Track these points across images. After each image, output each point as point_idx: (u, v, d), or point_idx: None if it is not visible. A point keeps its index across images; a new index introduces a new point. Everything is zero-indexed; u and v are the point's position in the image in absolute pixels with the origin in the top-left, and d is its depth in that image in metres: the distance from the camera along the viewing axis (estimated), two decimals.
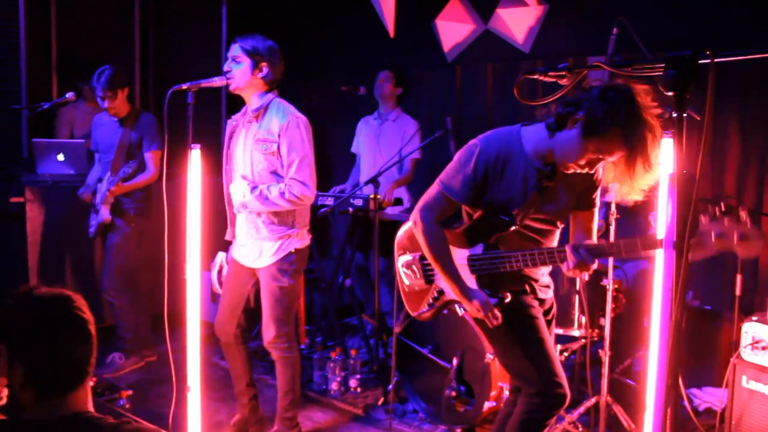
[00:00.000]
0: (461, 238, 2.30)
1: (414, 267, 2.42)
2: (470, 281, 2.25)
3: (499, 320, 2.18)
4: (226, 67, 2.79)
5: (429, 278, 2.40)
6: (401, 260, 2.48)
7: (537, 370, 2.20)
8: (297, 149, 2.80)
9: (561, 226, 2.32)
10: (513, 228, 2.18)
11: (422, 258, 2.37)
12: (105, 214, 3.90)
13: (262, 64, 2.79)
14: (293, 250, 2.91)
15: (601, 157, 1.99)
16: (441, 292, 2.36)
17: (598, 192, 2.32)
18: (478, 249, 2.24)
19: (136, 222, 4.00)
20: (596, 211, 2.36)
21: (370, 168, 4.45)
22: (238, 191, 2.83)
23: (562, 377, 2.22)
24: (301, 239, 2.96)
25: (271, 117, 2.83)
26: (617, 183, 2.01)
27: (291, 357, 2.99)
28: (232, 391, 3.21)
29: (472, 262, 2.24)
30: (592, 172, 2.19)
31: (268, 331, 2.94)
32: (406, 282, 2.48)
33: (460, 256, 2.28)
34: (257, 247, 2.91)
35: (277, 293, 2.90)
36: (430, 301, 2.40)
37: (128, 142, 3.94)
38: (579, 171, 2.09)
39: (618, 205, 3.11)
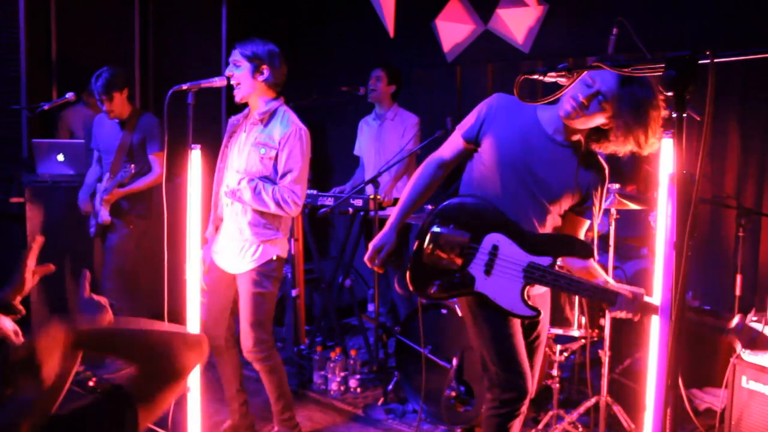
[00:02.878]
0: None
1: (455, 243, 2.19)
2: (515, 286, 2.15)
3: (379, 269, 2.36)
4: (227, 72, 2.79)
5: (465, 263, 2.19)
6: (439, 229, 2.22)
7: (498, 362, 2.21)
8: (295, 160, 2.81)
9: (551, 210, 2.24)
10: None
11: (471, 241, 2.19)
12: (104, 215, 3.90)
13: (262, 67, 2.79)
14: (274, 258, 2.89)
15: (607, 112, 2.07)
16: (470, 280, 2.18)
17: (599, 198, 2.27)
18: (546, 261, 2.14)
19: (135, 223, 3.99)
20: (588, 223, 2.32)
21: (373, 170, 4.45)
22: (233, 177, 2.83)
23: (524, 373, 2.21)
24: (283, 247, 2.95)
25: (276, 124, 2.84)
26: (621, 147, 2.11)
27: (271, 364, 2.97)
28: None
29: (531, 270, 2.14)
30: (602, 161, 2.25)
31: (247, 339, 2.91)
32: (428, 252, 2.22)
33: (517, 256, 2.15)
34: (237, 250, 2.89)
35: (257, 298, 2.88)
36: (452, 283, 2.19)
37: (129, 144, 3.93)
38: (583, 126, 2.15)
39: (618, 205, 3.12)
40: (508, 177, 2.21)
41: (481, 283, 2.18)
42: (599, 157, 2.28)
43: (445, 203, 2.25)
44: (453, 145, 2.35)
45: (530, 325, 2.35)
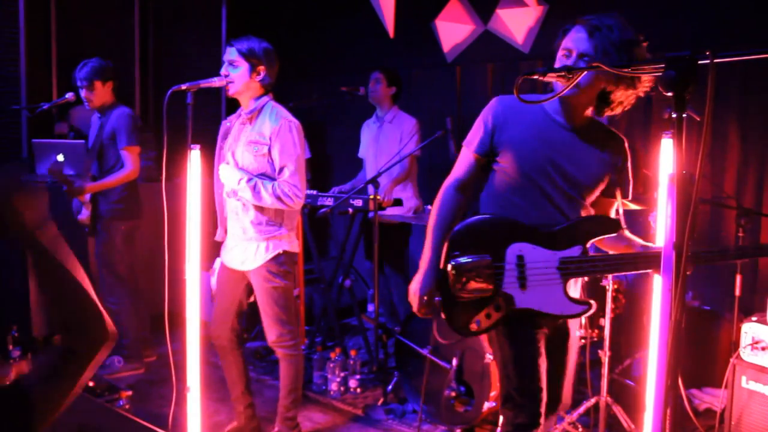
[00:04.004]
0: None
1: (481, 270, 2.04)
2: (557, 288, 2.04)
3: (427, 314, 2.18)
4: (223, 71, 2.79)
5: (497, 285, 2.05)
6: (457, 261, 2.06)
7: (516, 383, 2.10)
8: (289, 153, 2.81)
9: (586, 204, 2.13)
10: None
11: (494, 260, 2.06)
12: (83, 213, 3.86)
13: (259, 67, 2.80)
14: (282, 252, 2.89)
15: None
16: (509, 301, 2.05)
17: (626, 169, 2.17)
18: (575, 251, 2.03)
19: (114, 225, 3.88)
20: (616, 203, 2.22)
21: (373, 172, 4.47)
22: (233, 177, 2.82)
23: (540, 398, 2.09)
24: (290, 242, 2.94)
25: (264, 120, 2.84)
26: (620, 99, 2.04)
27: (296, 355, 3.00)
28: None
29: (566, 266, 2.02)
30: (616, 136, 2.15)
31: (271, 332, 2.94)
32: (458, 291, 2.05)
33: (545, 259, 2.05)
34: (244, 249, 2.90)
35: (273, 293, 2.89)
36: (492, 311, 2.06)
37: (100, 138, 3.84)
38: (589, 94, 2.03)
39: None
40: (537, 180, 2.09)
41: (521, 299, 2.04)
42: (613, 130, 2.18)
43: (452, 233, 2.11)
44: (465, 163, 2.20)
45: (562, 337, 2.21)
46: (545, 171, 2.08)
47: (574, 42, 1.99)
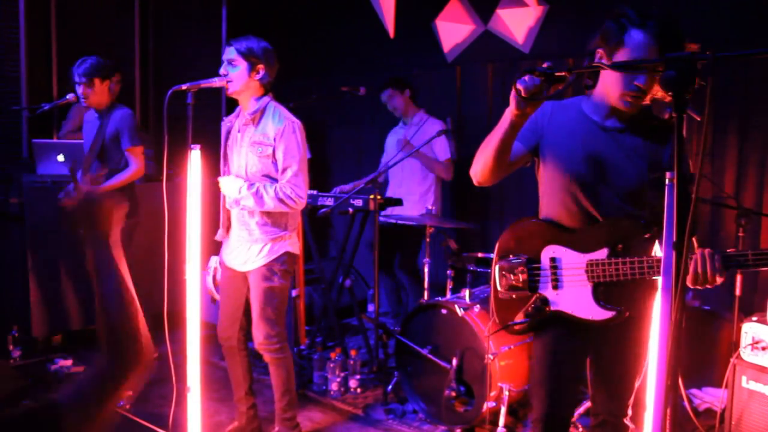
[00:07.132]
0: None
1: (517, 271, 2.12)
2: (585, 291, 2.01)
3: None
4: (222, 71, 2.79)
5: (533, 286, 2.10)
6: (500, 264, 2.16)
7: (538, 397, 2.13)
8: (293, 154, 2.81)
9: (632, 204, 2.00)
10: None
11: (529, 261, 2.10)
12: None
13: (258, 66, 2.79)
14: (284, 252, 2.91)
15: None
16: (543, 302, 2.09)
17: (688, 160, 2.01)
18: (602, 254, 1.99)
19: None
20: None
21: (398, 178, 4.52)
22: (233, 187, 2.83)
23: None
24: (293, 243, 2.96)
25: (267, 121, 2.84)
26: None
27: (283, 357, 2.98)
28: (231, 391, 3.21)
29: (592, 268, 1.99)
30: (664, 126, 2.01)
31: (259, 332, 2.93)
32: (500, 288, 2.16)
33: (574, 261, 2.03)
34: (247, 250, 2.90)
35: (268, 293, 2.89)
36: (529, 311, 2.10)
37: (102, 138, 3.82)
38: (635, 95, 1.91)
39: None
40: (571, 184, 2.03)
41: (554, 301, 2.07)
42: (660, 120, 2.05)
43: (500, 238, 2.19)
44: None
45: (613, 346, 2.13)
46: (579, 175, 2.02)
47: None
